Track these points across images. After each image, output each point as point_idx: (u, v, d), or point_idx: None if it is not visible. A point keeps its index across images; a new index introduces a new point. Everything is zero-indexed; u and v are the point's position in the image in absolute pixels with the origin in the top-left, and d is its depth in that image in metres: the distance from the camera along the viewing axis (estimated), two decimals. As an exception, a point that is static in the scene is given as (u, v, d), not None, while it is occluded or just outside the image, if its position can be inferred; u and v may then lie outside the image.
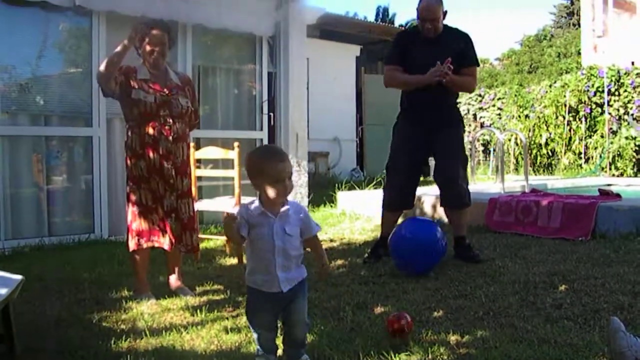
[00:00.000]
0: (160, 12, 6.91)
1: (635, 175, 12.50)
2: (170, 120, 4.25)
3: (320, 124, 12.06)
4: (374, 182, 9.99)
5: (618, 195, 6.70)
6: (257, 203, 2.74)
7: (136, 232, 4.28)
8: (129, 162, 4.29)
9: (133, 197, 4.27)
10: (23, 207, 6.57)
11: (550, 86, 14.59)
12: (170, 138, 4.24)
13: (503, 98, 15.53)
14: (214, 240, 6.34)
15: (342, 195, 8.68)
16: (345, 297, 4.13)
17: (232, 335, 3.38)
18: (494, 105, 15.45)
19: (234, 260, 5.49)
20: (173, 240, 4.33)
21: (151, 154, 4.21)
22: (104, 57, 6.56)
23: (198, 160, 5.98)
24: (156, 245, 4.33)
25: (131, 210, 4.30)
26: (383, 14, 22.39)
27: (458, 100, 5.65)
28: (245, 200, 5.66)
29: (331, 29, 12.29)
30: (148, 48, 4.27)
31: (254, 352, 3.02)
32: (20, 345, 3.12)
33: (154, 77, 4.30)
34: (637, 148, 12.67)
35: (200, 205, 5.71)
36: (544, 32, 35.97)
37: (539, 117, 14.24)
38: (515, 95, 15.34)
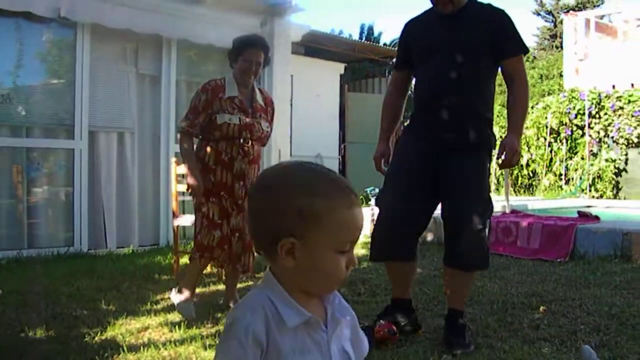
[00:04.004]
0: (146, 25, 6.95)
1: (615, 197, 12.63)
2: (249, 142, 4.22)
3: (303, 140, 12.06)
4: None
5: (597, 218, 6.77)
6: (282, 297, 1.34)
7: (199, 243, 4.25)
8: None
9: (202, 209, 4.24)
10: (1, 218, 6.51)
11: (532, 107, 14.72)
12: (246, 159, 4.22)
13: (485, 118, 15.63)
14: (195, 256, 6.31)
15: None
16: (325, 315, 4.12)
17: (210, 352, 3.36)
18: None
19: (214, 277, 5.47)
20: (231, 262, 4.29)
21: (224, 172, 4.18)
22: (87, 70, 6.64)
23: (182, 176, 5.95)
24: (218, 265, 4.31)
25: (199, 222, 4.28)
26: (368, 32, 22.50)
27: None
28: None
29: (316, 46, 12.34)
30: (242, 65, 4.23)
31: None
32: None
33: (242, 94, 4.27)
34: (616, 170, 12.83)
35: (182, 221, 5.69)
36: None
37: (520, 138, 14.36)
38: (497, 116, 15.46)
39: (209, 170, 4.20)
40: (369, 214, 7.62)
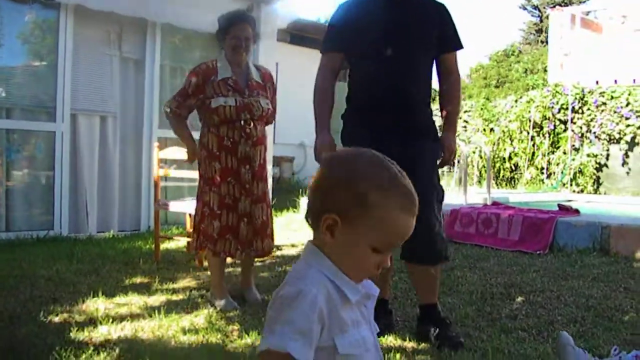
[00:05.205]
0: (130, 8, 6.88)
1: (595, 192, 12.73)
2: (251, 123, 4.10)
3: (286, 128, 12.05)
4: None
5: (576, 211, 6.83)
6: (338, 274, 1.36)
7: (202, 233, 4.18)
8: (202, 162, 4.18)
9: (203, 198, 4.17)
10: (-20, 200, 6.45)
11: (516, 101, 14.80)
12: (250, 142, 4.10)
13: (469, 111, 15.70)
14: (175, 241, 6.30)
15: (305, 201, 8.69)
16: (305, 302, 4.14)
17: (189, 336, 3.36)
18: (460, 118, 15.59)
19: (194, 262, 5.45)
20: (241, 248, 4.15)
21: (228, 157, 4.08)
22: (70, 52, 6.57)
23: (164, 161, 5.93)
24: (222, 255, 4.15)
25: (200, 211, 4.21)
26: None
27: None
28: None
29: (302, 34, 12.31)
30: (231, 43, 4.12)
31: (212, 354, 3.01)
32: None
33: (235, 74, 4.14)
34: (597, 165, 12.93)
35: (163, 206, 5.67)
36: (512, 47, 36.48)
37: (503, 131, 14.43)
38: (482, 109, 15.54)
39: (214, 157, 4.10)
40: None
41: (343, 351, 1.32)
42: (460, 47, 3.58)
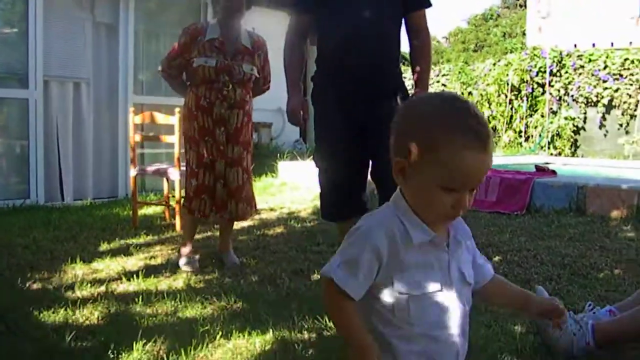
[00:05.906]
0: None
1: (573, 155, 12.83)
2: (230, 86, 4.09)
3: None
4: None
5: (553, 172, 6.88)
6: (409, 216, 1.40)
7: (186, 191, 4.23)
8: (184, 120, 4.25)
9: (186, 156, 4.23)
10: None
11: (494, 64, 14.79)
12: (225, 104, 4.09)
13: (447, 75, 15.68)
14: (153, 207, 6.28)
15: (283, 165, 8.69)
16: (283, 263, 4.17)
17: (168, 300, 3.36)
18: (438, 82, 15.58)
19: (172, 228, 5.43)
20: (215, 210, 4.18)
21: (204, 117, 4.09)
22: (40, 17, 6.44)
23: (140, 127, 5.87)
24: (197, 215, 4.17)
25: (186, 169, 4.28)
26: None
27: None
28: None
29: (279, -2, 12.17)
30: (225, 4, 4.11)
31: (190, 317, 3.02)
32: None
33: (224, 36, 4.12)
34: (575, 128, 13.02)
35: (139, 172, 5.62)
36: (490, 11, 36.36)
37: (481, 94, 14.44)
38: (460, 73, 15.52)
39: (192, 116, 4.13)
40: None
41: (401, 290, 1.38)
42: (429, 4, 3.44)
